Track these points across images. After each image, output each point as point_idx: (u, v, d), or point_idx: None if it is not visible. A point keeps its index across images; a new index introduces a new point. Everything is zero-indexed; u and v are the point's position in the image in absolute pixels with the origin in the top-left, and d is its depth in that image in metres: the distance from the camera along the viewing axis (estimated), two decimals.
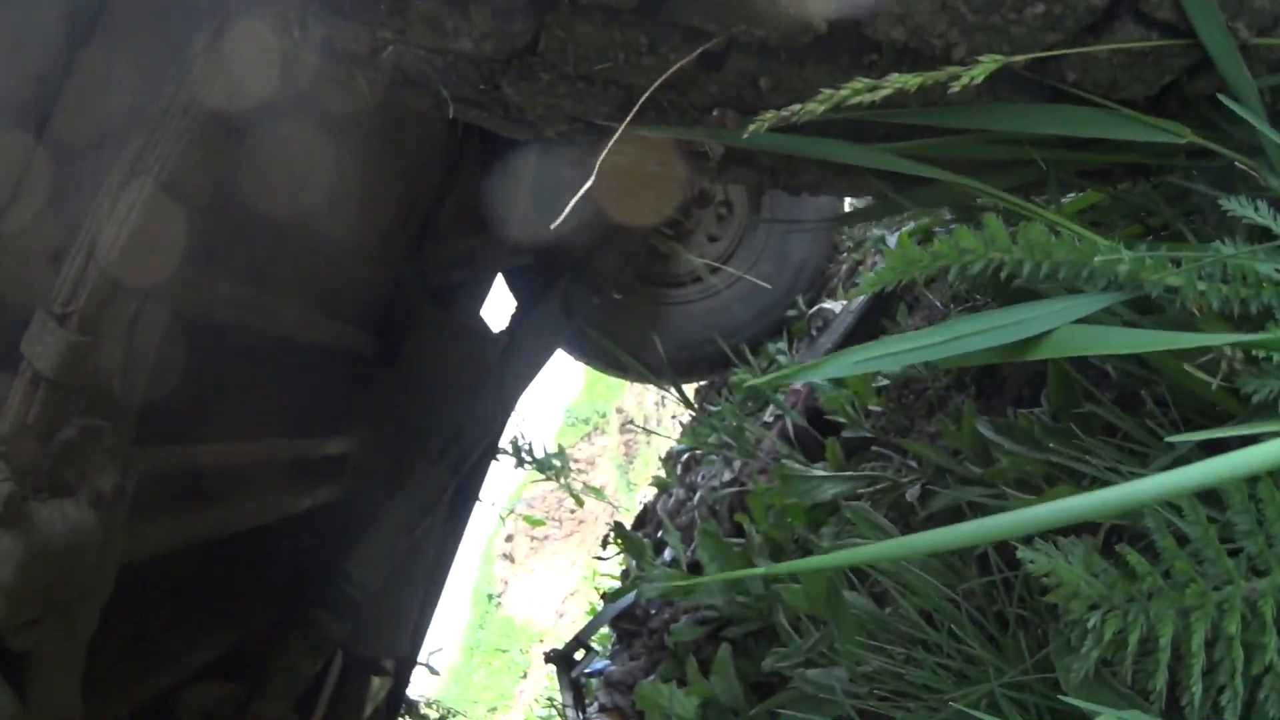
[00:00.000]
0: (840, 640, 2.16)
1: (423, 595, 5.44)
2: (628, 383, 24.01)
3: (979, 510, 2.37)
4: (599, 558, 4.63)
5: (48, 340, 2.08)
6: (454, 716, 7.48)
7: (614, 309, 5.87)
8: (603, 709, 4.29)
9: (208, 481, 3.68)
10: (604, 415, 26.98)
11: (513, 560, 25.72)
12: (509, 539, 25.77)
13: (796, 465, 3.09)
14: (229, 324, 3.58)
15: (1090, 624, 1.31)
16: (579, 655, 5.14)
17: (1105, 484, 1.46)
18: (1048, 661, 1.65)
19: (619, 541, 4.07)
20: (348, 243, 4.45)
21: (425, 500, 4.03)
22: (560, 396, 28.06)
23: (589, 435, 26.44)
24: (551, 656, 5.42)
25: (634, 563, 4.64)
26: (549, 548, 24.92)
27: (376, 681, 5.36)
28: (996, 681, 1.72)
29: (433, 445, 4.05)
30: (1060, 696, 1.46)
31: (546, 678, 8.05)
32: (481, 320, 5.24)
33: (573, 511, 23.97)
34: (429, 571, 5.38)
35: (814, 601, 2.28)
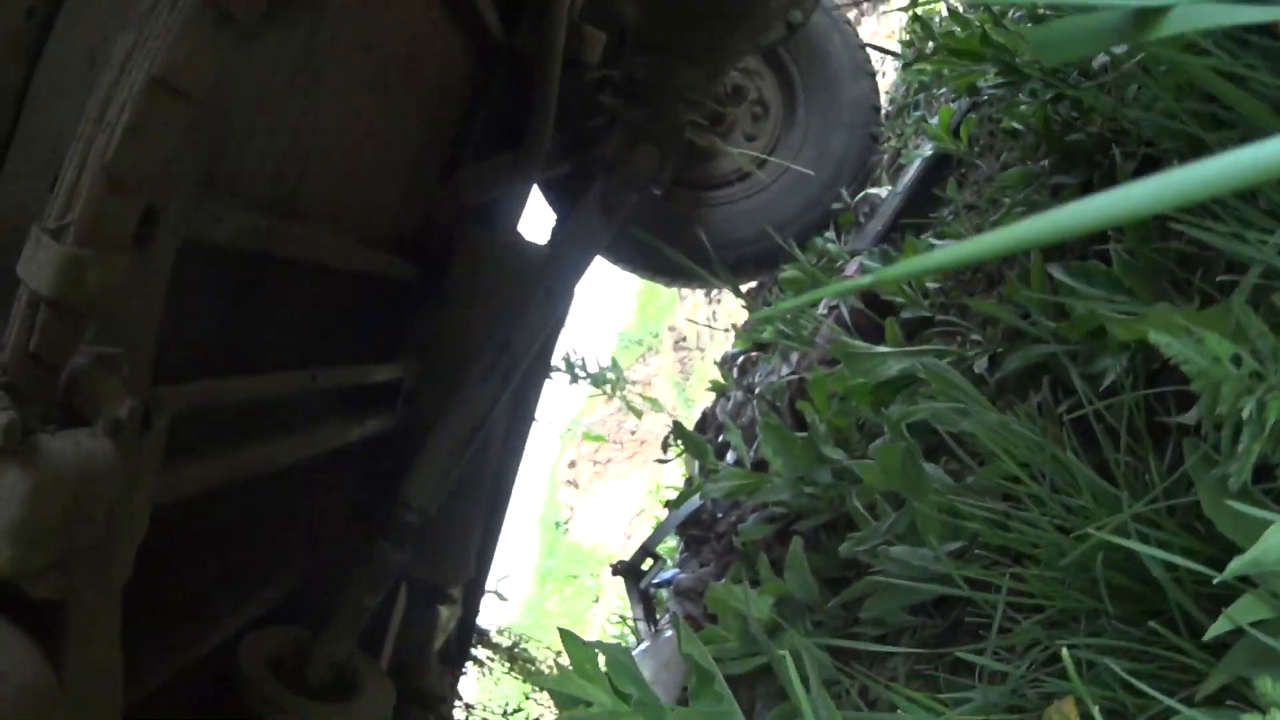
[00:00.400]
0: (922, 515, 2.00)
1: (485, 519, 5.34)
2: (679, 300, 23.88)
3: (1054, 370, 2.22)
4: (660, 461, 4.48)
5: (42, 257, 1.92)
6: (526, 643, 7.38)
7: (657, 213, 5.73)
8: (674, 619, 4.16)
9: (250, 417, 3.57)
10: (656, 335, 26.87)
11: (577, 486, 25.73)
12: (572, 465, 25.77)
13: (858, 343, 2.93)
14: (260, 256, 3.48)
15: (1246, 412, 1.13)
16: (646, 565, 5.01)
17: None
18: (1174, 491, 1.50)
19: (679, 443, 3.91)
20: (375, 171, 4.35)
21: (477, 416, 3.89)
22: (612, 320, 27.97)
23: (643, 356, 26.34)
24: (619, 568, 5.30)
25: (696, 466, 4.50)
26: (612, 470, 24.87)
27: (445, 611, 5.28)
28: (1129, 511, 1.54)
29: (481, 360, 3.91)
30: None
31: (619, 597, 7.94)
32: (520, 234, 5.12)
33: (633, 433, 23.91)
34: (489, 494, 5.28)
35: (890, 476, 2.13)
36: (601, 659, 1.55)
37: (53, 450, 1.94)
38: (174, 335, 3.19)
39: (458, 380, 4.03)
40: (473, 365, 3.96)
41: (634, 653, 4.12)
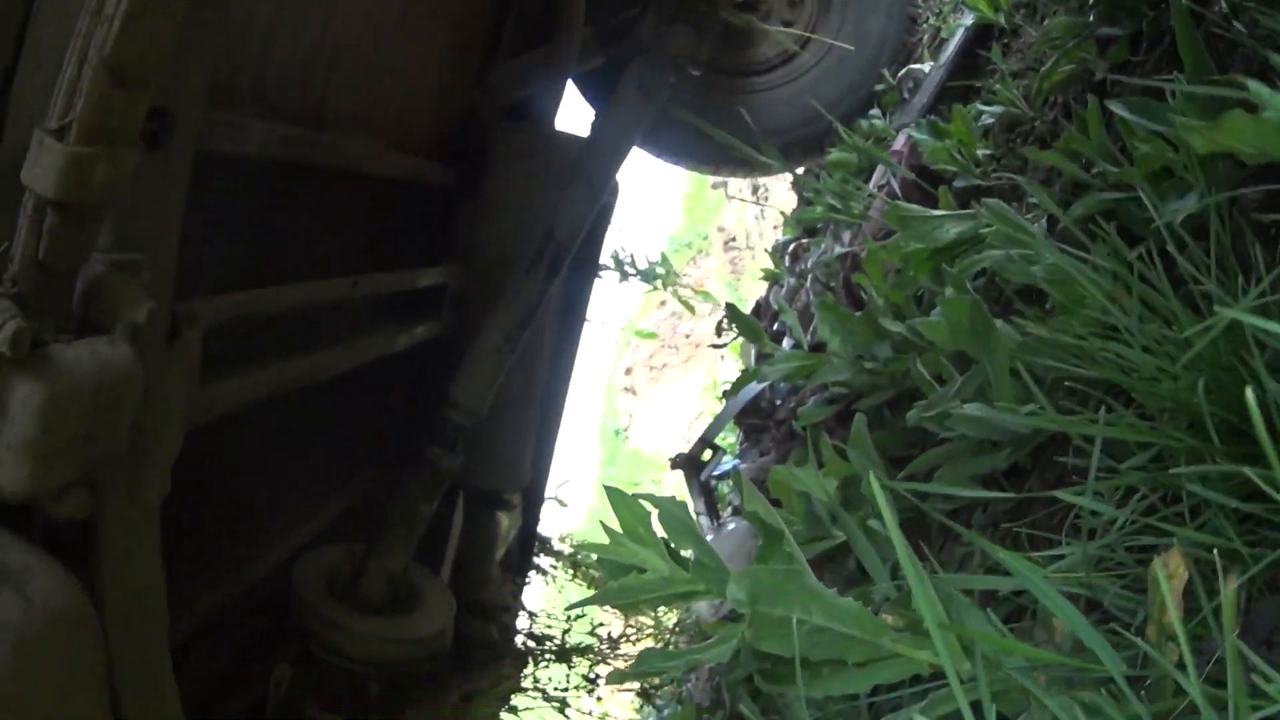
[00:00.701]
0: (994, 373, 1.87)
1: (540, 423, 5.26)
2: (726, 202, 23.67)
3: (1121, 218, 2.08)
4: (715, 346, 4.37)
5: (45, 160, 1.80)
6: (588, 549, 7.31)
7: (699, 104, 5.59)
8: (738, 512, 4.06)
9: (291, 330, 3.48)
10: (706, 237, 26.72)
11: (635, 393, 25.71)
12: (628, 372, 25.75)
13: (914, 207, 2.79)
14: (293, 167, 3.40)
15: None
16: (706, 458, 4.91)
17: None
18: None
19: (733, 328, 3.78)
20: (406, 73, 4.26)
21: (524, 311, 3.79)
22: (661, 225, 27.81)
23: (694, 259, 26.19)
24: (678, 461, 5.21)
25: (752, 354, 4.39)
26: (668, 375, 24.83)
27: (505, 521, 5.21)
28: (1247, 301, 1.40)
29: (524, 255, 3.80)
30: None
31: (678, 494, 7.87)
32: (557, 128, 5.01)
33: (688, 336, 23.83)
34: (543, 398, 5.20)
35: (958, 333, 1.99)
36: (655, 518, 1.43)
37: (67, 359, 1.84)
38: (208, 255, 3.11)
39: (503, 279, 3.92)
40: (516, 260, 3.85)
41: None
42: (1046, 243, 1.94)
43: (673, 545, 1.43)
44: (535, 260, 3.75)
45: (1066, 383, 1.82)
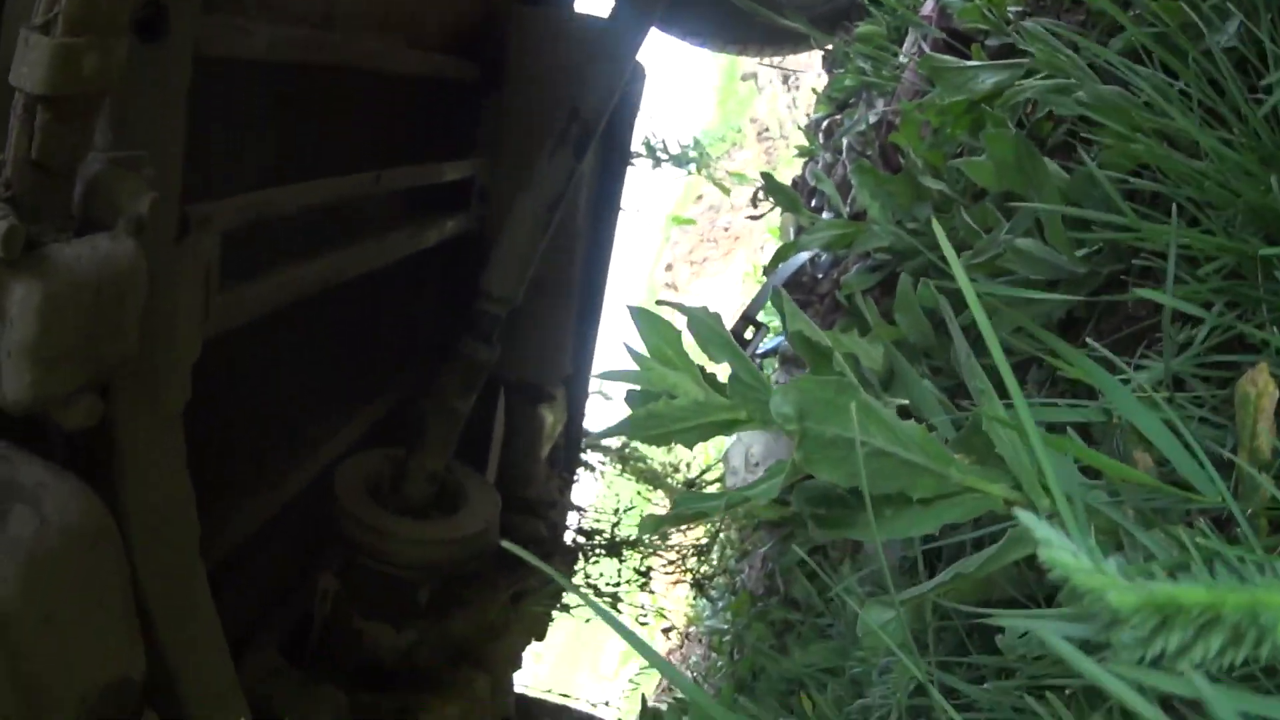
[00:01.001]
0: (1045, 212, 1.75)
1: (577, 312, 5.17)
2: (757, 93, 23.39)
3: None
4: (752, 217, 4.25)
5: (32, 56, 1.70)
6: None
7: None
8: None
9: (315, 231, 3.39)
10: (739, 130, 26.43)
11: (676, 289, 25.57)
12: (669, 268, 25.61)
13: (949, 58, 2.65)
14: (310, 70, 3.31)
15: None
16: (749, 335, 4.80)
17: None
18: None
19: (770, 198, 3.66)
20: None
21: (552, 192, 3.68)
22: (693, 120, 27.53)
23: (728, 151, 25.92)
24: None
25: (791, 229, 4.28)
26: (709, 269, 24.69)
27: (549, 417, 5.15)
28: None
29: (550, 136, 3.69)
30: None
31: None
32: (577, 11, 4.89)
33: (726, 229, 23.65)
34: (580, 286, 5.12)
35: (1005, 171, 1.87)
36: (683, 326, 1.32)
37: (65, 257, 1.75)
38: (229, 163, 3.02)
39: (530, 165, 3.82)
40: (545, 143, 3.75)
41: (743, 430, 3.95)
42: (1087, 73, 1.82)
43: (706, 366, 1.30)
44: (561, 140, 3.64)
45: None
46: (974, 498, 1.15)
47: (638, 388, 1.30)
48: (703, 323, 1.28)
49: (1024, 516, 0.60)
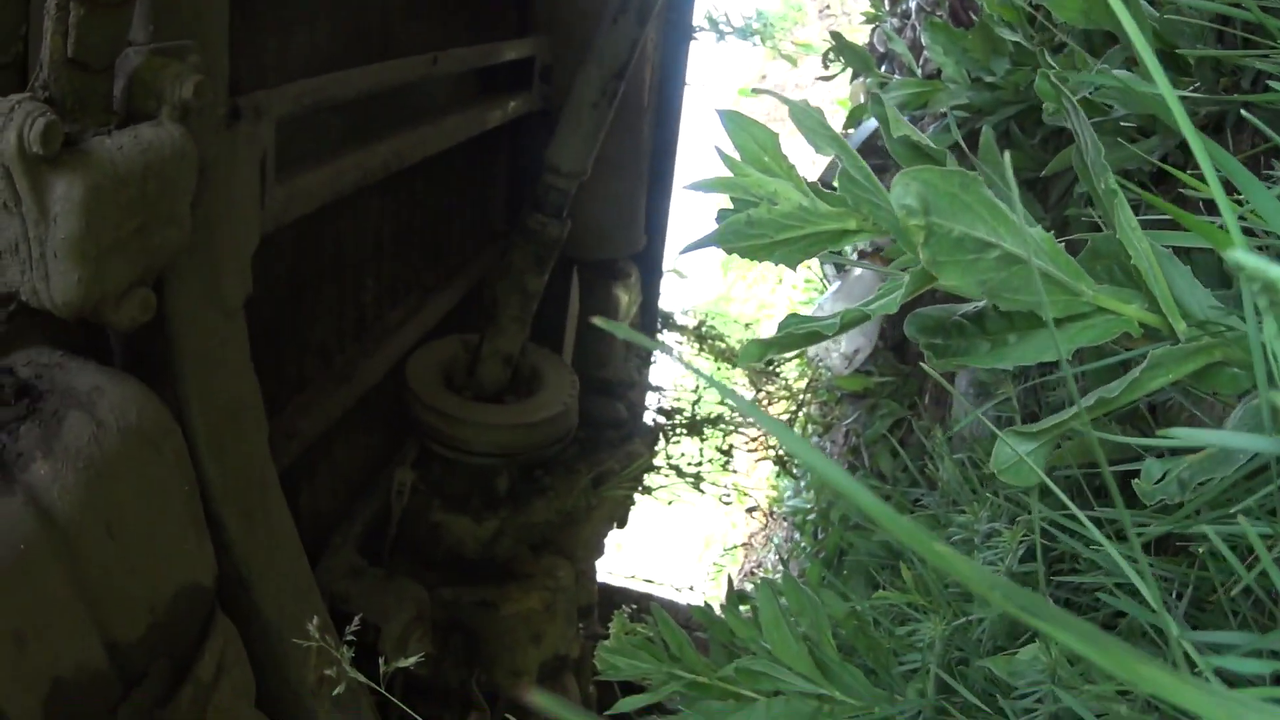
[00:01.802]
0: (1137, 49, 1.62)
1: (648, 188, 5.07)
2: None
3: None
4: (823, 78, 4.12)
5: None
6: (713, 321, 7.18)
7: None
8: (862, 255, 3.86)
9: (376, 112, 3.30)
10: (800, 9, 26.00)
11: None
12: None
13: None
14: None
15: None
16: None
17: None
18: None
19: (840, 57, 3.52)
20: None
21: (617, 61, 3.58)
22: (753, 1, 27.06)
23: (790, 30, 25.50)
24: None
25: (862, 93, 4.14)
26: (783, 141, 24.35)
27: (624, 296, 5.07)
28: None
29: (610, 6, 3.57)
30: None
31: (805, 266, 7.65)
32: None
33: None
34: (648, 160, 5.01)
35: (1093, 7, 1.74)
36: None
37: (106, 149, 1.66)
38: (282, 56, 2.93)
39: (591, 37, 3.71)
40: (603, 15, 3.63)
41: (825, 297, 3.86)
42: None
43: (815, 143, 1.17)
44: (623, 8, 3.52)
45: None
46: (1107, 320, 1.03)
47: (729, 203, 1.17)
48: (807, 114, 1.15)
49: (1245, 259, 0.49)
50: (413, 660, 1.60)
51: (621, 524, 4.87)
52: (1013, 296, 1.01)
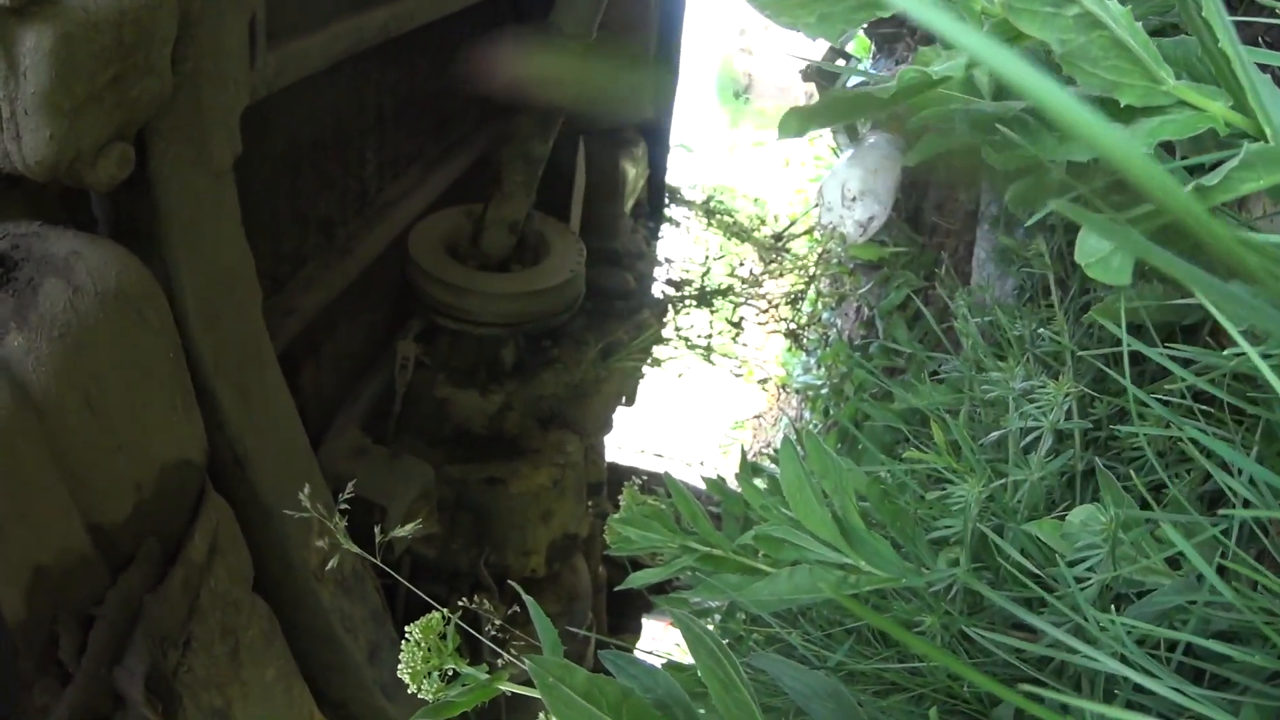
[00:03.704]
0: None
1: (653, 59, 4.93)
2: None
3: None
4: None
5: None
6: (721, 196, 7.07)
7: None
8: (876, 124, 3.73)
9: None
10: None
11: (751, 53, 25.04)
12: (742, 32, 25.04)
13: None
14: None
15: None
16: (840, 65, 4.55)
17: None
18: None
19: None
20: None
21: None
22: None
23: None
24: (808, 73, 4.88)
25: None
26: (786, 30, 24.03)
27: (630, 169, 4.97)
28: None
29: None
30: None
31: (809, 142, 7.51)
32: None
33: None
34: (654, 28, 4.88)
35: None
36: None
37: None
38: None
39: None
40: None
41: (839, 164, 3.74)
42: None
43: None
44: None
45: None
46: (1190, 116, 0.93)
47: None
48: None
49: None
50: (410, 528, 1.51)
51: (630, 400, 4.80)
52: (1090, 70, 0.91)
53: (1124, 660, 0.99)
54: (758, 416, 8.47)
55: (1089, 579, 1.10)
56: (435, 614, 1.15)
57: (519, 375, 3.90)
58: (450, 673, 1.15)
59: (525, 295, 3.68)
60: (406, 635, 1.13)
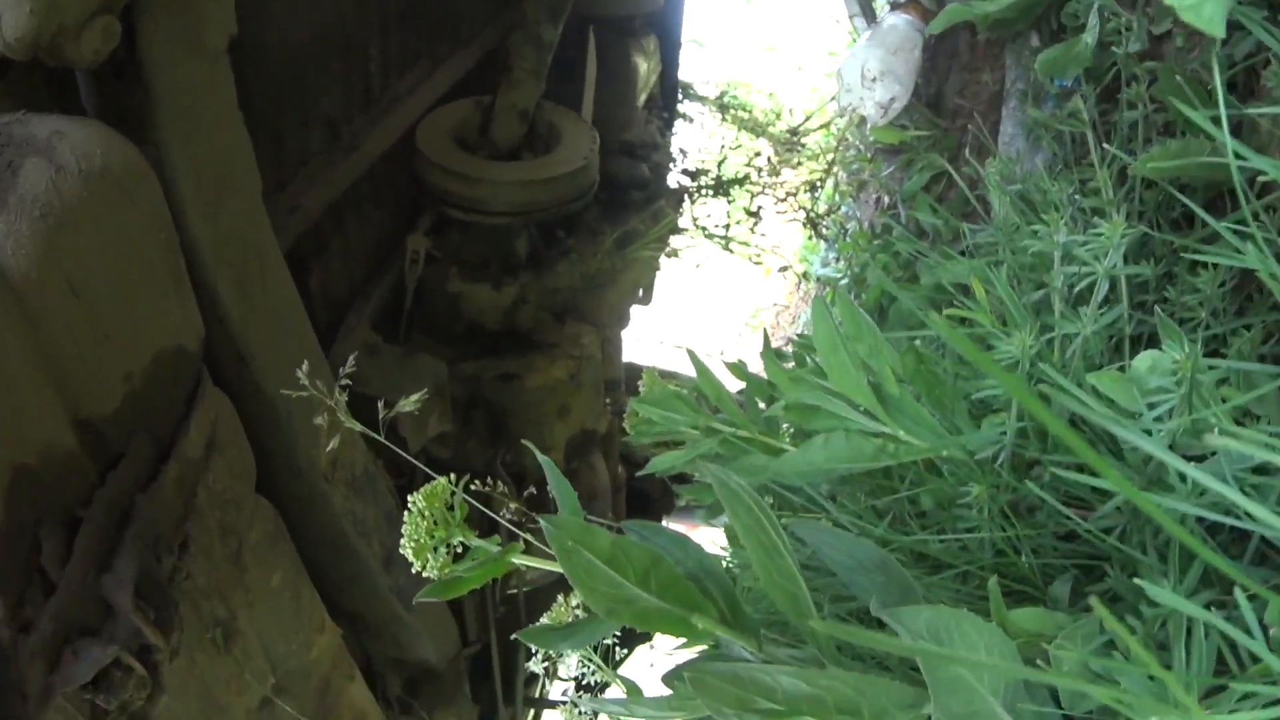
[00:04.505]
0: None
1: None
2: None
3: None
4: None
5: None
6: (735, 91, 6.98)
7: None
8: (895, 6, 3.62)
9: None
10: None
11: None
12: None
13: None
14: None
15: None
16: None
17: None
18: None
19: None
20: None
21: None
22: None
23: None
24: None
25: None
26: None
27: (642, 64, 4.87)
28: None
29: None
30: None
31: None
32: None
33: None
34: None
35: None
36: None
37: None
38: None
39: None
40: None
41: (858, 45, 3.63)
42: None
43: None
44: None
45: None
46: None
47: None
48: None
49: None
50: (409, 405, 1.42)
51: (648, 297, 4.72)
52: None
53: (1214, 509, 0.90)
54: (776, 306, 8.40)
55: (1157, 429, 1.01)
56: (440, 480, 1.06)
57: (533, 267, 3.81)
58: (459, 548, 1.06)
59: (536, 183, 3.58)
60: (410, 506, 1.04)
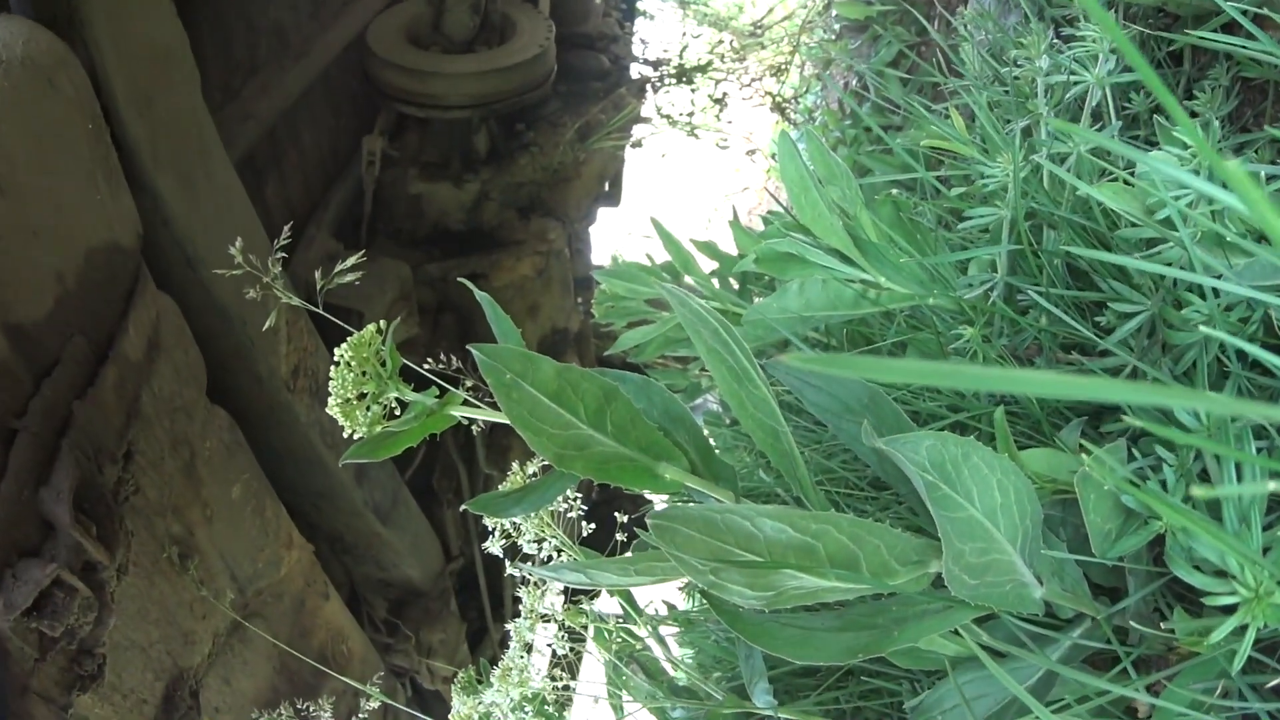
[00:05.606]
0: None
1: None
2: None
3: None
4: None
5: None
6: None
7: None
8: None
9: None
10: None
11: None
12: None
13: None
14: None
15: None
16: None
17: None
18: None
19: None
20: None
21: None
22: None
23: None
24: None
25: None
26: None
27: None
28: None
29: None
30: None
31: None
32: None
33: None
34: None
35: None
36: None
37: None
38: None
39: None
40: None
41: None
42: None
43: None
44: None
45: None
46: None
47: None
48: None
49: None
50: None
51: (615, 192, 4.62)
52: None
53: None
54: (747, 190, 8.31)
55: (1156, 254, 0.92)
56: (368, 329, 0.97)
57: (494, 163, 3.71)
58: (394, 406, 0.98)
59: (493, 73, 3.47)
60: (337, 358, 0.96)
